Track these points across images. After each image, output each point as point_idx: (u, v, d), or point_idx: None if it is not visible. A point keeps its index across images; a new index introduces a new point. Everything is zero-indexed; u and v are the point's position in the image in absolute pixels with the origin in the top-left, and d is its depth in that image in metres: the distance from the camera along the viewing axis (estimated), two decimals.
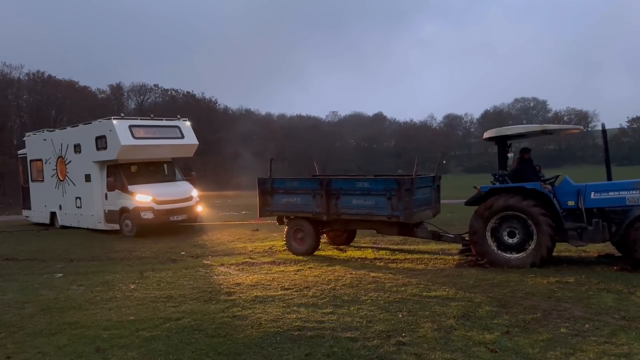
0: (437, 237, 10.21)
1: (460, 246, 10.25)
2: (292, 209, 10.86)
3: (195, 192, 16.07)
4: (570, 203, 8.69)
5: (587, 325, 5.39)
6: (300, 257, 10.37)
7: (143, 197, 14.83)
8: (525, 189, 8.63)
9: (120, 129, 14.84)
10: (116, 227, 15.46)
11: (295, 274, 8.61)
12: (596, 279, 7.45)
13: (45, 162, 18.35)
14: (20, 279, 9.28)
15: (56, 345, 5.35)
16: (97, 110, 47.75)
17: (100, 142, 15.40)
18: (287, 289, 7.46)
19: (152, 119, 16.42)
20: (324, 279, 8.14)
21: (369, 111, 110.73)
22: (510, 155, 9.47)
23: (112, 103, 62.99)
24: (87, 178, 16.15)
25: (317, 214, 10.41)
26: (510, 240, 8.70)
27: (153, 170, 16.46)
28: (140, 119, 16.33)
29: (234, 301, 6.86)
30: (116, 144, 14.76)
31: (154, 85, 67.63)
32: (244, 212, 23.38)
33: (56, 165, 17.67)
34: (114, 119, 15.18)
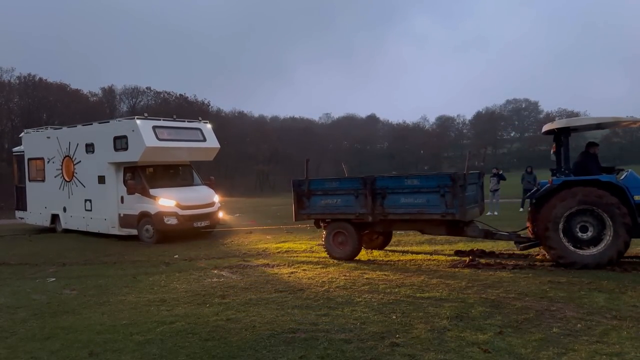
0: (490, 235, 9.69)
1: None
2: (332, 211, 10.26)
3: (217, 198, 15.48)
4: (638, 197, 8.37)
5: (579, 325, 5.43)
6: (294, 259, 10.37)
7: (167, 201, 14.11)
8: (600, 182, 8.36)
9: (145, 130, 14.06)
10: (133, 232, 14.69)
11: (289, 276, 8.61)
12: (588, 278, 7.51)
13: (48, 161, 17.39)
14: (12, 284, 9.21)
15: (49, 350, 5.32)
16: (89, 113, 47.56)
17: (120, 143, 14.58)
18: (281, 292, 7.46)
19: (174, 120, 15.58)
20: (317, 281, 8.15)
21: (362, 113, 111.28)
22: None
23: (104, 106, 62.75)
24: (101, 180, 15.33)
25: (361, 215, 9.85)
26: (583, 235, 8.35)
27: (173, 173, 15.82)
28: (164, 120, 15.42)
29: (227, 304, 6.85)
30: (140, 145, 13.98)
31: (147, 87, 67.51)
32: (237, 214, 23.37)
33: (62, 165, 16.79)
34: (137, 118, 14.42)
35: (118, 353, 5.10)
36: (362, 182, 9.86)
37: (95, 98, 63.73)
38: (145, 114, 15.41)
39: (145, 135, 13.98)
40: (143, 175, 14.64)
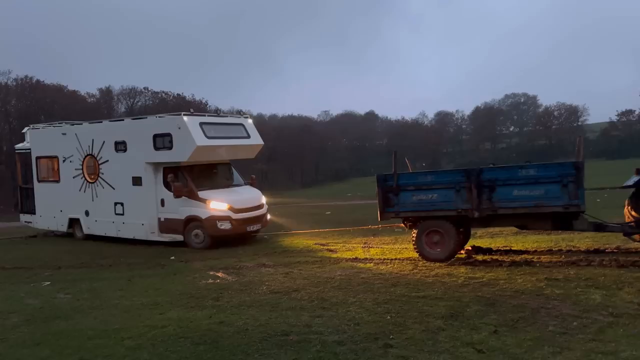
0: (600, 228, 8.92)
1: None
2: (427, 207, 9.30)
3: (264, 199, 14.45)
4: None
5: (574, 323, 5.36)
6: (291, 260, 10.25)
7: (219, 204, 12.96)
8: None
9: (193, 127, 12.78)
10: (177, 238, 13.44)
11: (285, 277, 8.53)
12: (585, 275, 7.43)
13: (64, 160, 15.78)
14: (6, 288, 9.14)
15: (39, 356, 5.25)
16: (87, 114, 47.41)
17: (162, 141, 13.20)
18: (275, 293, 7.39)
19: (218, 116, 14.57)
20: (313, 281, 8.07)
21: (361, 110, 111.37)
22: None
23: (102, 107, 62.72)
24: (137, 181, 13.91)
25: (464, 210, 8.97)
26: None
27: (215, 173, 14.61)
28: (208, 116, 14.24)
29: (220, 306, 6.78)
30: (189, 144, 12.69)
31: (144, 88, 67.50)
32: None
33: (82, 164, 15.32)
34: (183, 114, 13.05)
35: (108, 359, 5.04)
36: (466, 174, 9.10)
37: (93, 99, 63.72)
38: (191, 109, 14.06)
39: (195, 133, 12.75)
40: (189, 177, 13.31)
